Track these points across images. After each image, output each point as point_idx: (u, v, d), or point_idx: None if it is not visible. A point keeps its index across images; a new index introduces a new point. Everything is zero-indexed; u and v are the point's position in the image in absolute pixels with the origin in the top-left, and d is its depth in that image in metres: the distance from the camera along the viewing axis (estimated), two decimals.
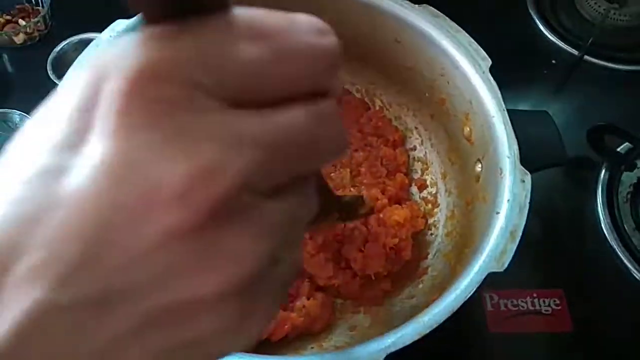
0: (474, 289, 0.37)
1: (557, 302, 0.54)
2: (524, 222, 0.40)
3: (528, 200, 0.40)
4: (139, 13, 0.13)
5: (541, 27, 0.74)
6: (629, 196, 0.60)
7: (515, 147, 0.43)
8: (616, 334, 0.54)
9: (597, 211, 0.59)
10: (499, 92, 0.45)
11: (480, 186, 0.46)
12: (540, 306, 0.54)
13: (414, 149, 0.58)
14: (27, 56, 0.69)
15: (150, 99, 0.12)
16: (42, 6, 0.71)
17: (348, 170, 0.53)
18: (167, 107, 0.12)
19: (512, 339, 0.53)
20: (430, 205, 0.55)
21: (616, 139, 0.61)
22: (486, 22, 0.69)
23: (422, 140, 0.58)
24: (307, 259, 0.48)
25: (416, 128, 0.58)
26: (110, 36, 0.45)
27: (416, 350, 0.46)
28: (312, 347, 0.47)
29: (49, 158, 0.13)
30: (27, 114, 0.63)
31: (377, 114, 0.58)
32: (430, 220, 0.54)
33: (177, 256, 0.13)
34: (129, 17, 0.47)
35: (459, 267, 0.42)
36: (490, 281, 0.54)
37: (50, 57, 0.67)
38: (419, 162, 0.58)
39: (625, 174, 0.61)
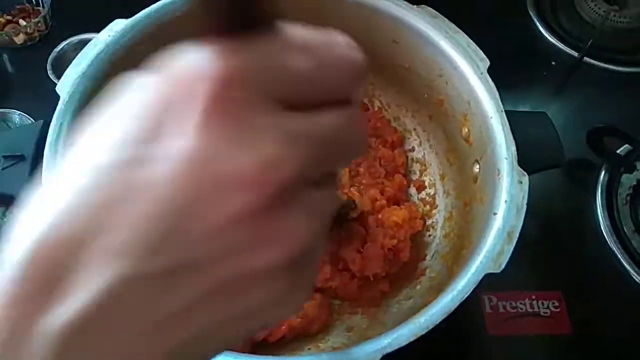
0: (471, 290, 0.37)
1: (556, 304, 0.54)
2: (521, 223, 0.39)
3: (525, 201, 0.40)
4: (206, 27, 0.15)
5: (541, 29, 0.74)
6: (628, 198, 0.60)
7: (513, 148, 0.43)
8: (615, 336, 0.54)
9: (597, 213, 0.59)
10: (497, 93, 0.45)
11: (478, 187, 0.46)
12: (539, 308, 0.54)
13: (413, 150, 0.58)
14: (27, 56, 0.69)
15: (227, 101, 0.14)
16: (43, 6, 0.71)
17: (347, 170, 0.53)
18: (240, 107, 0.15)
19: (511, 341, 0.53)
20: (428, 207, 0.55)
21: (616, 140, 0.61)
22: (486, 24, 0.69)
23: (420, 141, 0.58)
24: None
25: (415, 129, 0.58)
26: (109, 36, 0.45)
27: (415, 351, 0.46)
28: (309, 348, 0.47)
29: (132, 148, 0.15)
30: (26, 113, 0.63)
31: (375, 115, 0.58)
32: (429, 222, 0.54)
33: (246, 231, 0.15)
34: (127, 17, 0.47)
35: (456, 268, 0.42)
36: (489, 283, 0.54)
37: (50, 57, 0.67)
38: (418, 163, 0.58)
39: (624, 175, 0.60)
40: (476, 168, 0.47)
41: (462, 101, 0.48)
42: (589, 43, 0.68)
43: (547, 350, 0.53)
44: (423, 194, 0.56)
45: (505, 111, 0.45)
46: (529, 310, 0.54)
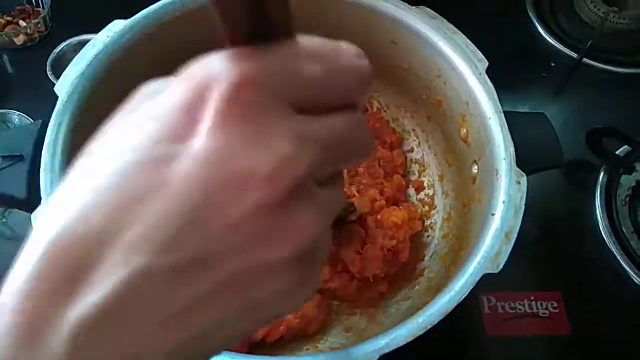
0: (469, 291, 0.37)
1: (555, 304, 0.54)
2: (519, 224, 0.39)
3: (524, 201, 0.40)
4: (225, 36, 0.17)
5: (540, 30, 0.74)
6: (627, 199, 0.60)
7: (511, 148, 0.43)
8: (614, 337, 0.54)
9: (596, 214, 0.59)
10: (495, 93, 0.45)
11: (477, 188, 0.46)
12: (537, 309, 0.54)
13: (412, 150, 0.58)
14: (27, 57, 0.70)
15: (245, 104, 0.16)
16: (43, 7, 0.71)
17: (346, 170, 0.53)
18: (256, 110, 0.16)
19: (509, 341, 0.53)
20: (427, 207, 0.55)
21: (615, 141, 0.61)
22: (485, 25, 0.69)
23: (419, 142, 0.58)
24: None
25: (413, 130, 0.58)
26: (107, 36, 0.45)
27: (413, 352, 0.46)
28: (307, 349, 0.47)
29: (154, 147, 0.15)
30: (26, 114, 0.63)
31: (374, 116, 0.58)
32: (427, 222, 0.54)
33: (260, 225, 0.16)
34: (127, 18, 0.47)
35: (454, 268, 0.42)
36: (488, 283, 0.54)
37: (50, 58, 0.67)
38: (416, 164, 0.58)
39: (623, 176, 0.60)
40: (475, 169, 0.47)
41: (461, 102, 0.48)
42: (588, 44, 0.68)
43: (545, 351, 0.53)
44: (422, 195, 0.56)
45: (504, 112, 0.45)
46: (528, 310, 0.54)
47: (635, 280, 0.55)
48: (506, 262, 0.38)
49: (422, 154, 0.58)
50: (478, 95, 0.46)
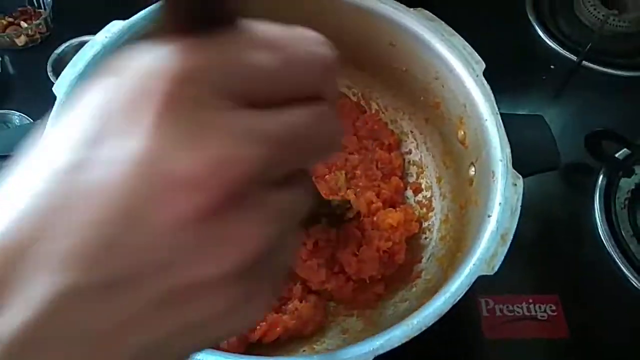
0: (464, 292, 0.37)
1: (553, 307, 0.54)
2: (515, 226, 0.39)
3: (520, 203, 0.40)
4: (166, 26, 0.15)
5: (540, 33, 0.74)
6: (626, 202, 0.60)
7: (508, 150, 0.43)
8: (612, 340, 0.53)
9: (595, 217, 0.59)
10: (492, 95, 0.45)
11: (474, 190, 0.46)
12: (536, 312, 0.54)
13: (410, 152, 0.58)
14: (28, 58, 0.70)
15: (184, 100, 0.14)
16: (44, 8, 0.71)
17: (343, 172, 0.53)
18: (193, 106, 0.14)
19: (508, 344, 0.52)
20: (425, 209, 0.55)
21: (614, 144, 0.61)
22: (485, 28, 0.69)
23: (417, 144, 0.58)
24: (300, 264, 0.48)
25: (411, 132, 0.58)
26: (106, 37, 0.45)
27: (412, 354, 0.46)
28: (304, 350, 0.47)
29: (83, 151, 0.14)
30: (27, 115, 0.63)
31: (372, 118, 0.58)
32: (425, 224, 0.54)
33: (192, 238, 0.14)
34: (126, 19, 0.47)
35: (451, 270, 0.42)
36: (486, 286, 0.55)
37: (51, 59, 0.67)
38: (414, 166, 0.58)
39: (623, 179, 0.60)
40: (472, 171, 0.47)
41: (458, 104, 0.48)
42: (588, 47, 0.68)
43: (543, 354, 0.53)
44: (420, 197, 0.56)
45: (502, 114, 0.45)
46: (526, 313, 0.54)
47: (634, 284, 0.55)
48: (505, 264, 0.38)
49: (420, 156, 0.58)
50: (475, 97, 0.46)
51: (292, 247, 0.18)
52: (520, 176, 0.41)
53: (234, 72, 0.15)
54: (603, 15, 0.71)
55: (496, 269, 0.38)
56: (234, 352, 0.39)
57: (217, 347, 0.42)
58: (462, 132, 0.48)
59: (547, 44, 0.73)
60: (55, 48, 0.68)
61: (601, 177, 0.61)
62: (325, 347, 0.47)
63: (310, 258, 0.48)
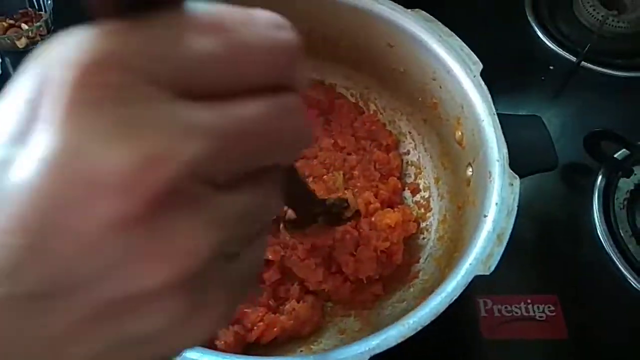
0: (459, 292, 0.37)
1: (552, 308, 0.54)
2: (511, 226, 0.39)
3: (516, 204, 0.40)
4: (96, 9, 0.13)
5: (539, 34, 0.74)
6: (625, 202, 0.60)
7: (505, 150, 0.43)
8: (611, 340, 0.53)
9: (593, 217, 0.59)
10: (489, 96, 0.45)
11: (471, 190, 0.46)
12: (534, 312, 0.54)
13: (408, 153, 0.58)
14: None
15: (95, 88, 0.12)
16: (45, 11, 0.72)
17: (341, 173, 0.54)
18: (112, 96, 0.12)
19: (506, 345, 0.52)
20: (422, 210, 0.55)
21: (613, 145, 0.61)
22: (484, 28, 0.70)
23: (415, 145, 0.58)
24: (297, 264, 0.48)
25: (410, 132, 0.58)
26: None
27: (410, 354, 0.46)
28: (301, 350, 0.47)
29: None
30: None
31: (371, 118, 0.59)
32: (423, 225, 0.54)
33: (120, 247, 0.12)
34: None
35: (448, 271, 0.42)
36: (485, 286, 0.54)
37: None
38: (412, 166, 0.58)
39: (622, 180, 0.60)
40: (469, 171, 0.47)
41: (456, 104, 0.48)
42: (587, 47, 0.68)
43: (542, 354, 0.53)
44: (418, 197, 0.56)
45: (499, 114, 0.45)
46: (525, 314, 0.54)
47: (633, 284, 0.54)
48: (503, 265, 0.38)
49: (418, 157, 0.58)
50: (472, 97, 0.46)
51: (256, 254, 0.16)
52: (517, 176, 0.42)
53: (167, 59, 0.13)
54: (602, 16, 0.71)
55: (492, 268, 0.38)
56: (230, 353, 0.39)
57: (214, 347, 0.42)
58: (460, 133, 0.48)
59: (546, 44, 0.73)
60: None
61: (600, 177, 0.61)
62: (322, 348, 0.47)
63: (308, 257, 0.49)
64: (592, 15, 0.73)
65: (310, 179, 0.52)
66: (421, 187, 0.56)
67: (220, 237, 0.14)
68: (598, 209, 0.59)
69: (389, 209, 0.52)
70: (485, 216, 0.40)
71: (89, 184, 0.12)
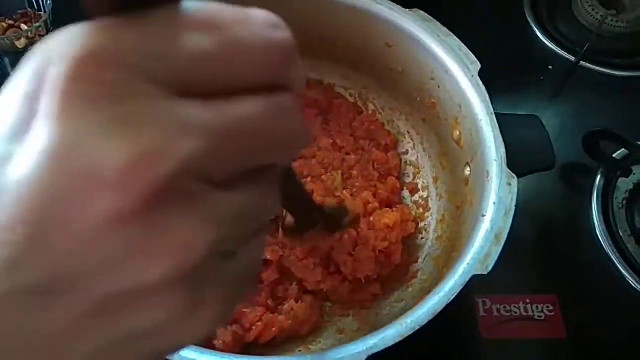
0: (457, 292, 0.37)
1: (551, 307, 0.54)
2: (509, 226, 0.39)
3: (514, 203, 0.40)
4: (98, 5, 0.13)
5: (538, 33, 0.74)
6: (624, 202, 0.59)
7: (503, 150, 0.43)
8: (610, 340, 0.53)
9: (592, 217, 0.59)
10: (487, 95, 0.45)
11: (469, 190, 0.46)
12: (533, 312, 0.54)
13: (406, 152, 0.58)
14: None
15: (92, 83, 0.12)
16: (44, 11, 0.72)
17: (340, 172, 0.54)
18: (109, 92, 0.12)
19: (505, 345, 0.52)
20: (421, 209, 0.55)
21: (612, 145, 0.61)
22: (483, 28, 0.70)
23: (414, 145, 0.58)
24: (296, 264, 0.48)
25: (408, 132, 0.58)
26: None
27: (408, 354, 0.46)
28: (299, 350, 0.47)
29: None
30: None
31: (369, 118, 0.59)
32: (421, 224, 0.54)
33: (119, 242, 0.13)
34: None
35: (446, 270, 0.42)
36: (483, 286, 0.54)
37: None
38: (411, 166, 0.58)
39: (621, 180, 0.60)
40: (467, 171, 0.47)
41: (454, 104, 0.48)
42: (586, 47, 0.68)
43: (541, 354, 0.53)
44: (416, 197, 0.56)
45: (497, 114, 0.45)
46: (524, 314, 0.54)
47: (632, 284, 0.54)
48: (502, 264, 0.38)
49: (417, 157, 0.58)
50: (470, 97, 0.46)
51: (253, 253, 0.17)
52: (515, 176, 0.42)
53: (163, 56, 0.13)
54: (601, 16, 0.71)
55: (490, 268, 0.38)
56: (229, 352, 0.39)
57: (212, 347, 0.42)
58: (458, 133, 0.49)
59: (545, 44, 0.73)
60: None
61: (599, 177, 0.61)
62: (321, 347, 0.47)
63: (307, 257, 0.49)
64: (591, 15, 0.73)
65: (309, 178, 0.52)
66: (420, 186, 0.56)
67: (216, 235, 0.14)
68: (597, 208, 0.59)
69: (387, 208, 0.52)
70: (483, 216, 0.40)
71: (86, 178, 0.12)
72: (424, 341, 0.48)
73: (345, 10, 0.52)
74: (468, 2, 0.76)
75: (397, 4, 0.51)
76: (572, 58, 0.70)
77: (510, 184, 0.41)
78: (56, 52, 0.13)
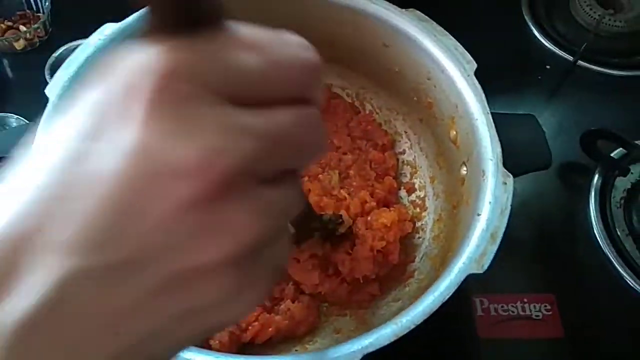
0: (453, 291, 0.37)
1: (548, 307, 0.54)
2: (505, 225, 0.39)
3: (510, 202, 0.40)
4: (153, 27, 0.16)
5: (536, 33, 0.74)
6: (622, 201, 0.59)
7: (498, 149, 0.43)
8: (608, 340, 0.53)
9: (590, 217, 0.58)
10: (483, 95, 0.45)
11: (465, 189, 0.46)
12: (530, 311, 0.54)
13: (403, 152, 0.58)
14: (27, 61, 0.71)
15: (174, 95, 0.15)
16: (43, 13, 0.72)
17: (337, 172, 0.54)
18: (183, 100, 0.15)
19: (502, 344, 0.52)
20: (418, 209, 0.55)
21: (610, 144, 0.61)
22: (480, 27, 0.70)
23: (411, 144, 0.58)
24: (293, 266, 0.48)
25: (405, 132, 0.58)
26: (99, 39, 0.46)
27: (405, 354, 0.46)
28: (296, 350, 0.47)
29: (82, 145, 0.15)
30: (24, 117, 0.64)
31: (366, 118, 0.59)
32: (418, 224, 0.54)
33: (190, 224, 0.15)
34: (118, 21, 0.48)
35: (442, 269, 0.42)
36: (481, 285, 0.54)
37: (49, 62, 0.68)
38: (408, 166, 0.58)
39: (618, 179, 0.60)
40: (463, 170, 0.47)
41: (450, 104, 0.48)
42: (583, 47, 0.68)
43: (538, 354, 0.53)
44: (413, 197, 0.56)
45: (494, 113, 0.45)
46: (521, 313, 0.54)
47: (630, 283, 0.54)
48: (500, 264, 0.38)
49: (414, 156, 0.58)
50: (466, 97, 0.46)
51: (284, 246, 0.19)
52: (511, 175, 0.42)
53: (220, 71, 0.15)
54: (599, 15, 0.71)
55: (485, 267, 0.38)
56: (225, 352, 0.39)
57: (208, 347, 0.42)
58: (454, 132, 0.49)
59: (543, 43, 0.73)
60: (54, 52, 0.69)
61: (597, 176, 0.61)
62: (317, 347, 0.47)
63: (305, 260, 0.49)
64: (589, 15, 0.73)
65: (306, 178, 0.52)
66: (417, 186, 0.56)
67: (264, 223, 0.16)
68: (595, 208, 0.59)
69: (385, 208, 0.52)
70: (478, 215, 0.40)
71: (165, 170, 0.14)
72: (421, 340, 0.48)
73: (341, 10, 0.52)
74: (465, 2, 0.76)
75: (394, 4, 0.51)
76: (570, 57, 0.70)
77: (505, 183, 0.41)
78: (142, 67, 0.15)
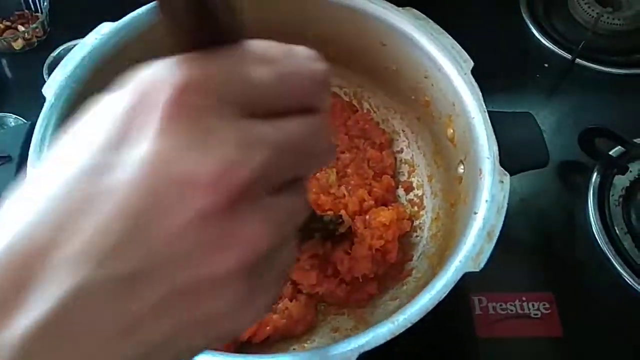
0: (449, 290, 0.37)
1: (547, 306, 0.54)
2: (501, 223, 0.39)
3: (506, 201, 0.40)
4: (177, 43, 0.16)
5: (534, 31, 0.74)
6: (620, 200, 0.59)
7: (495, 147, 0.43)
8: (606, 338, 0.53)
9: (589, 215, 0.58)
10: (480, 93, 0.45)
11: (462, 188, 0.46)
12: (529, 310, 0.54)
13: (401, 151, 0.58)
14: (25, 61, 0.71)
15: (189, 108, 0.15)
16: (41, 12, 0.72)
17: (334, 170, 0.53)
18: (200, 113, 0.15)
19: (501, 343, 0.52)
20: (416, 208, 0.55)
21: (608, 142, 0.61)
22: (479, 26, 0.70)
23: (408, 143, 0.58)
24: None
25: (403, 131, 0.58)
26: (96, 38, 0.46)
27: (403, 353, 0.46)
28: (294, 349, 0.47)
29: (96, 157, 0.15)
30: (23, 117, 0.64)
31: (364, 117, 0.59)
32: (416, 223, 0.54)
33: (204, 234, 0.15)
34: (115, 20, 0.48)
35: (439, 268, 0.42)
36: (479, 284, 0.54)
37: (47, 62, 0.68)
38: (406, 165, 0.58)
39: (617, 177, 0.60)
40: (461, 169, 0.47)
41: (447, 102, 0.48)
42: (582, 45, 0.68)
43: (537, 352, 0.53)
44: (411, 195, 0.56)
45: (491, 112, 0.45)
46: (519, 312, 0.54)
47: (628, 282, 0.54)
48: (498, 262, 0.38)
49: (412, 155, 0.58)
50: (463, 95, 0.46)
51: (291, 251, 0.19)
52: (507, 173, 0.41)
53: (236, 84, 0.16)
54: (597, 13, 0.71)
55: (482, 265, 0.38)
56: (223, 351, 0.39)
57: None
58: (451, 130, 0.48)
59: (541, 42, 0.73)
60: (52, 51, 0.69)
61: (595, 174, 0.61)
62: (315, 346, 0.47)
63: (303, 259, 0.48)
64: (587, 13, 0.73)
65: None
66: (414, 185, 0.56)
67: (275, 231, 0.16)
68: (593, 206, 0.59)
69: (382, 207, 0.52)
70: (475, 213, 0.40)
71: (181, 182, 0.15)
72: (420, 339, 0.48)
73: (339, 9, 0.52)
74: (463, 1, 0.76)
75: (391, 2, 0.51)
76: (568, 56, 0.70)
77: (502, 182, 0.41)
78: (160, 80, 0.15)
